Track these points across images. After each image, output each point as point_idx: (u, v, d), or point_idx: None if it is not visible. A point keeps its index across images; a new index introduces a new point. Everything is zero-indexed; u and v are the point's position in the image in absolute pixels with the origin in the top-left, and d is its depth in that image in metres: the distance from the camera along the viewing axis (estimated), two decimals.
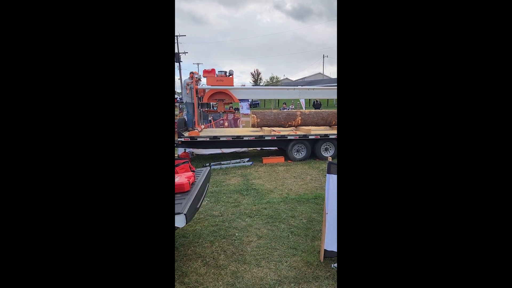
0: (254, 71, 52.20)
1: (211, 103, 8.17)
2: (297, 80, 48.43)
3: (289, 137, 6.37)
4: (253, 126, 6.98)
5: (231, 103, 8.01)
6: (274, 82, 47.97)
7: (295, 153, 6.51)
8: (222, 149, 7.31)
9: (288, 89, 8.07)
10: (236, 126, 10.09)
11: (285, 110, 10.18)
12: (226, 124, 10.39)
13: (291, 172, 5.60)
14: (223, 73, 6.97)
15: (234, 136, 6.30)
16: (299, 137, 6.41)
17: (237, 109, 12.32)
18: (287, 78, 52.76)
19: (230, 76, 6.95)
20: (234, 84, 7.08)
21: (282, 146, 6.61)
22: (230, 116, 10.46)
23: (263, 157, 6.58)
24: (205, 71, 7.08)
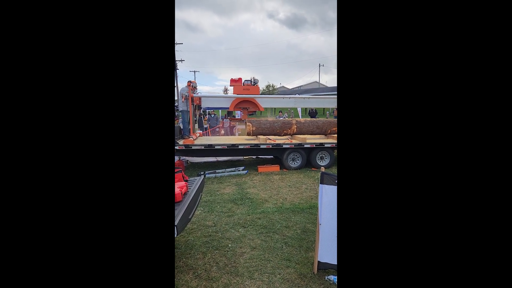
0: (251, 79, 52.36)
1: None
2: (293, 88, 48.75)
3: (284, 146, 6.36)
4: (248, 134, 6.97)
5: (255, 111, 8.07)
6: (270, 90, 48.24)
7: (291, 162, 6.49)
8: (217, 157, 7.29)
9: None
10: (232, 134, 10.09)
11: (281, 118, 10.22)
12: (222, 132, 10.40)
13: (286, 181, 5.57)
14: (248, 82, 7.07)
15: (229, 144, 6.28)
16: (294, 145, 6.40)
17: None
18: (283, 86, 53.07)
19: (256, 85, 7.03)
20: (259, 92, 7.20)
21: (277, 155, 6.60)
22: (226, 124, 10.48)
23: (258, 166, 6.54)
24: (232, 80, 7.24)
